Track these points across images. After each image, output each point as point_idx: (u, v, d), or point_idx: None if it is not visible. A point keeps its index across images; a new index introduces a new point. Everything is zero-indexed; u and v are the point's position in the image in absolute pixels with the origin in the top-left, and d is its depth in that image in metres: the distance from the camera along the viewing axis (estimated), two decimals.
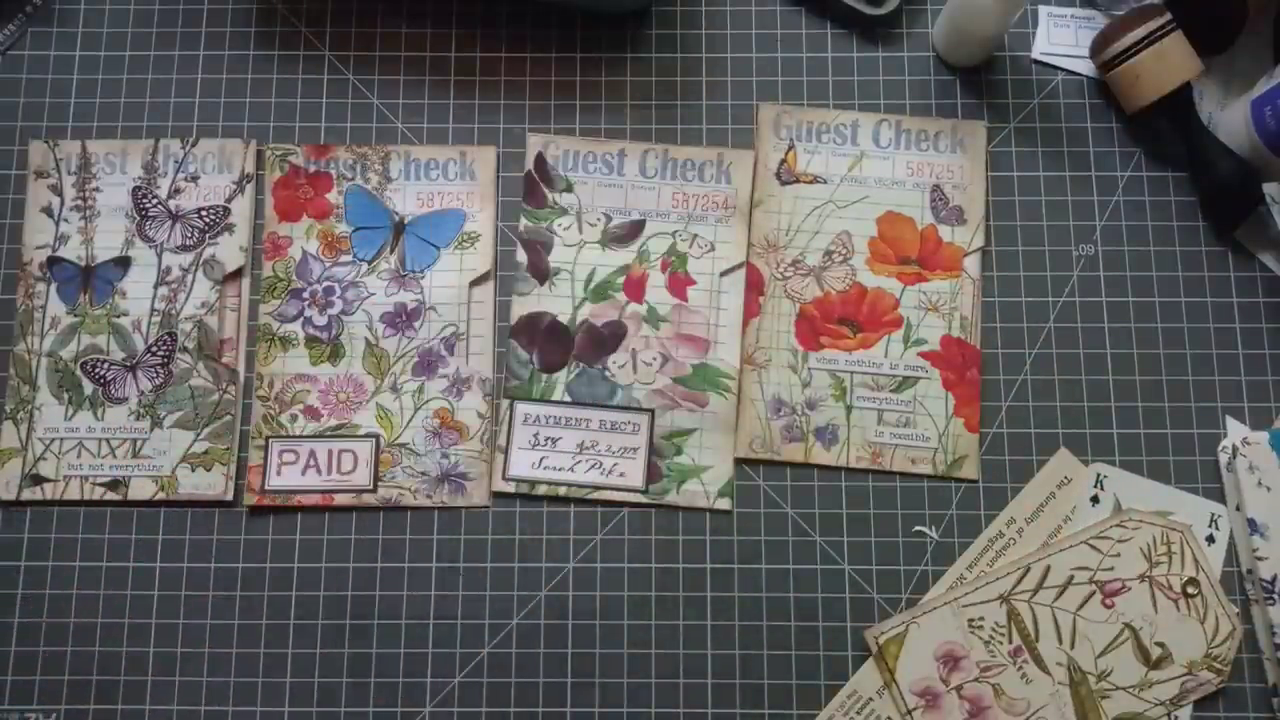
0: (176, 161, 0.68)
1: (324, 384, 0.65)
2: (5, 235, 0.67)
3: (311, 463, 0.64)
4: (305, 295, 0.66)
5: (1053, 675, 0.61)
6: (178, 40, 0.70)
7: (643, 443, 0.65)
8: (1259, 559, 0.62)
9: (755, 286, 0.67)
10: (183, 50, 0.70)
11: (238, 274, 0.67)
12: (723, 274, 0.67)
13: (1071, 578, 0.62)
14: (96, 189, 0.68)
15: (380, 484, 0.64)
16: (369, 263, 0.67)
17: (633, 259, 0.67)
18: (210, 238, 0.67)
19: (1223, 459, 0.64)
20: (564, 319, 0.66)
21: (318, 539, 0.64)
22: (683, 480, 0.64)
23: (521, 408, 0.65)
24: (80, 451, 0.64)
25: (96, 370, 0.65)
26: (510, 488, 0.64)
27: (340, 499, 0.64)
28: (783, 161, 0.68)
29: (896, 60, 0.70)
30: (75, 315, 0.66)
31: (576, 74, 0.70)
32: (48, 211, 0.67)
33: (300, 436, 0.65)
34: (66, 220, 0.67)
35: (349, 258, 0.67)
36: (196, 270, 0.67)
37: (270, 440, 0.64)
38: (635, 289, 0.67)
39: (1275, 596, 0.61)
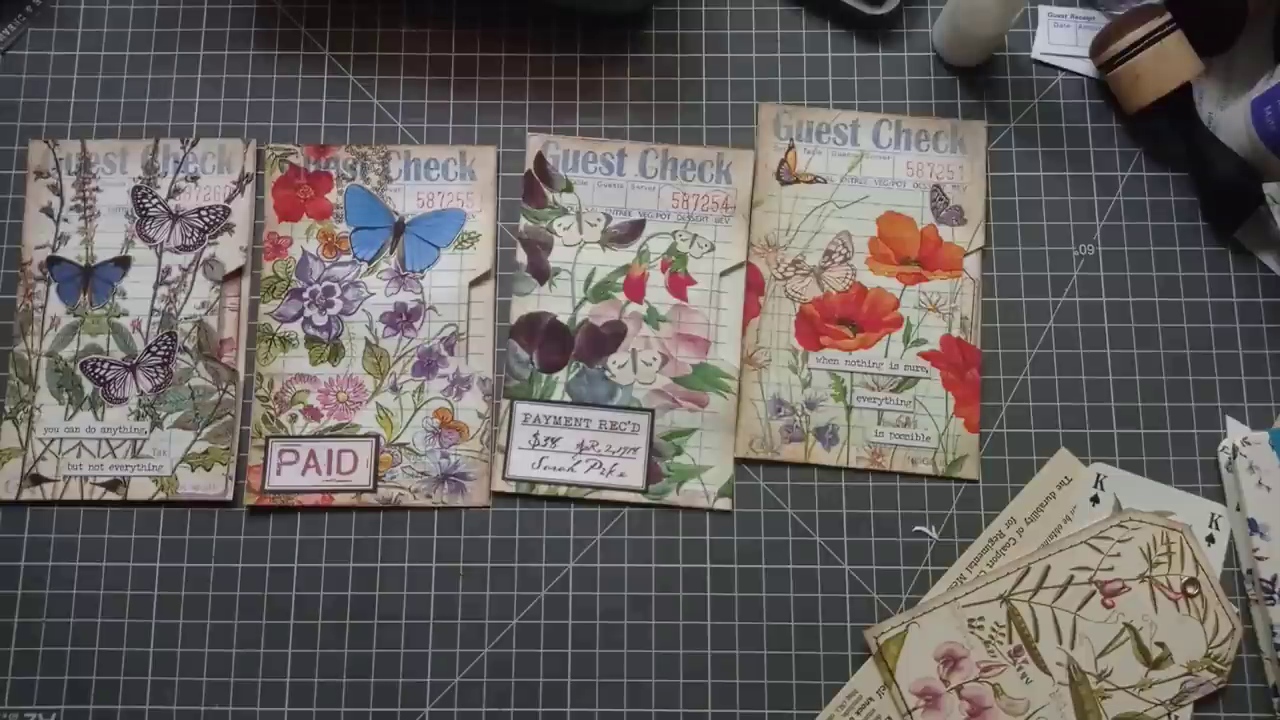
0: (176, 161, 0.68)
1: (324, 384, 0.65)
2: (5, 235, 0.67)
3: (311, 463, 0.64)
4: (305, 295, 0.66)
5: (1053, 675, 0.61)
6: (178, 40, 0.70)
7: (643, 443, 0.65)
8: (1259, 559, 0.62)
9: (755, 286, 0.67)
10: (183, 50, 0.70)
11: (238, 274, 0.67)
12: (723, 274, 0.67)
13: (1071, 578, 0.62)
14: (96, 189, 0.68)
15: (380, 484, 0.64)
16: (369, 263, 0.67)
17: (633, 259, 0.67)
18: (210, 238, 0.67)
19: (1223, 459, 0.64)
20: (564, 319, 0.66)
21: (317, 539, 0.64)
22: (683, 480, 0.64)
23: (521, 408, 0.65)
24: (80, 451, 0.64)
25: (96, 370, 0.65)
26: (510, 488, 0.64)
27: (340, 499, 0.64)
28: (783, 161, 0.68)
29: (896, 60, 0.70)
30: (75, 315, 0.66)
31: (576, 74, 0.70)
32: (48, 211, 0.67)
33: (300, 436, 0.65)
34: (66, 220, 0.67)
35: (349, 258, 0.67)
36: (196, 270, 0.67)
37: (270, 440, 0.64)
38: (635, 289, 0.67)
39: (1275, 596, 0.61)
